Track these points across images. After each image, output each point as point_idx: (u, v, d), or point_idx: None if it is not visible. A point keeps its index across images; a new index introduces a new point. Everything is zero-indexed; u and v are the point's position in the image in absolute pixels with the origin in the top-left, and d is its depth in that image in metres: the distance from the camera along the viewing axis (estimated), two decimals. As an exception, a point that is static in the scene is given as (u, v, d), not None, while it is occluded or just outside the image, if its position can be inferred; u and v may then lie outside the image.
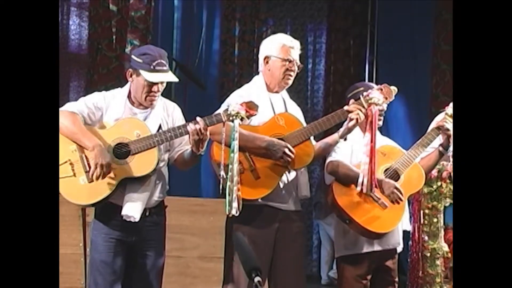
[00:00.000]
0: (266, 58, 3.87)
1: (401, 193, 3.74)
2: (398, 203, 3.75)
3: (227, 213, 3.47)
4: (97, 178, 3.46)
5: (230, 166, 3.45)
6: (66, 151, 3.51)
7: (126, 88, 3.69)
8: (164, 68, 3.58)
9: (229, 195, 3.44)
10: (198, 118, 3.47)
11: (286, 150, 3.61)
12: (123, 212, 3.51)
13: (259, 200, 3.66)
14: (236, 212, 3.44)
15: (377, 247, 3.82)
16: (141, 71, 3.56)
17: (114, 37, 7.31)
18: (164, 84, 3.63)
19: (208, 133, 3.46)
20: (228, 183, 3.44)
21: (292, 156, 3.62)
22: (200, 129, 3.43)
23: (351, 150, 3.88)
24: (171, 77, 3.63)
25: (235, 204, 3.43)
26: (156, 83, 3.58)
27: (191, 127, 3.45)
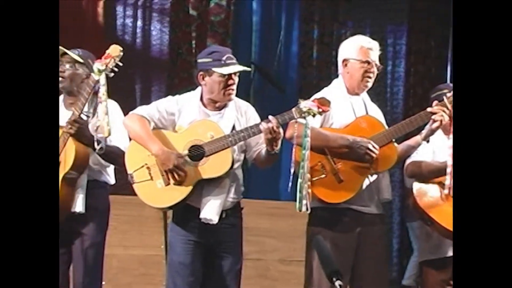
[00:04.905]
0: (345, 61, 3.84)
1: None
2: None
3: (297, 210, 3.45)
4: (176, 181, 3.51)
5: (301, 163, 3.44)
6: (143, 155, 3.56)
7: (198, 91, 3.73)
8: (234, 61, 3.65)
9: (300, 192, 3.42)
10: (270, 117, 3.46)
11: (370, 146, 3.58)
12: (202, 215, 3.54)
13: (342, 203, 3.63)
14: (307, 210, 3.43)
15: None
16: (214, 69, 3.60)
17: (194, 41, 7.39)
18: (237, 78, 3.66)
19: (281, 131, 3.45)
20: (299, 180, 3.43)
21: (377, 152, 3.58)
22: (272, 127, 3.42)
23: (432, 152, 3.83)
24: (242, 67, 3.69)
25: (305, 201, 3.42)
26: (232, 77, 3.61)
27: (263, 126, 3.45)
